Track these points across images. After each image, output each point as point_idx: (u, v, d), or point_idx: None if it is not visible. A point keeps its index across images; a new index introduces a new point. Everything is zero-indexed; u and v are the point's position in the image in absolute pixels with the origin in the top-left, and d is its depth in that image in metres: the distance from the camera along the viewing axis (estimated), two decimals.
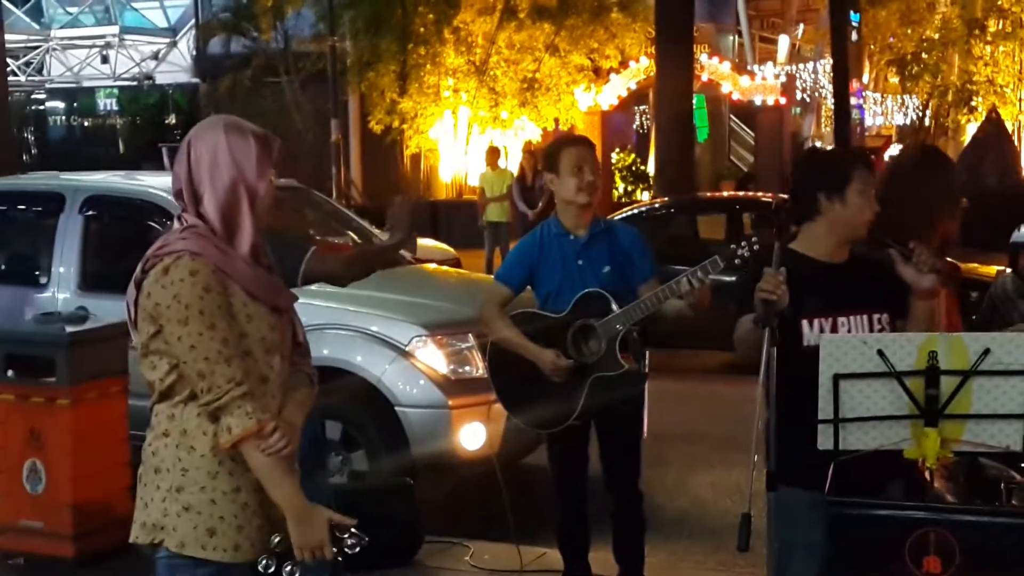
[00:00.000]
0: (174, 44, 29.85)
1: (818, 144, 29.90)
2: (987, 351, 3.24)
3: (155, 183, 7.31)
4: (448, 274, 8.73)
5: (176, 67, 29.72)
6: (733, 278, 4.20)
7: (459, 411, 6.24)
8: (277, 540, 2.87)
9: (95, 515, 5.58)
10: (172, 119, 29.51)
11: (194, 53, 27.78)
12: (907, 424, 3.33)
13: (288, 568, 2.86)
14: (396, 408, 6.22)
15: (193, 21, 27.89)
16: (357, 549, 2.85)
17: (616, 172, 24.93)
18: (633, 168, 24.98)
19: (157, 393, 2.90)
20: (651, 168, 19.25)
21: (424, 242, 12.85)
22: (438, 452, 6.24)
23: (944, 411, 3.29)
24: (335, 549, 2.83)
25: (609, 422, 4.96)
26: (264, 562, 2.88)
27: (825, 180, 3.81)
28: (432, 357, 6.34)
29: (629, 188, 24.44)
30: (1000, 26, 19.96)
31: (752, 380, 3.50)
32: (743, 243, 4.60)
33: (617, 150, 25.54)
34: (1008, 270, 6.72)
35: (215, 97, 23.80)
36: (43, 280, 7.22)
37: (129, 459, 5.66)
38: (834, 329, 3.71)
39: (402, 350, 6.31)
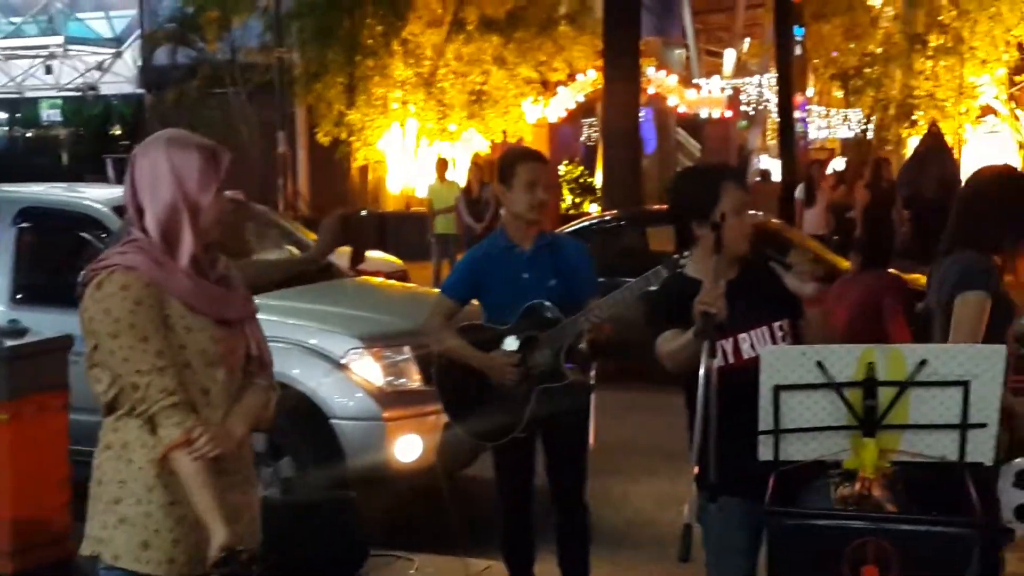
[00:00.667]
0: (119, 55, 29.53)
1: (763, 160, 30.24)
2: (924, 362, 3.29)
3: (92, 195, 7.26)
4: (389, 286, 8.74)
5: (121, 78, 29.40)
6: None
7: (394, 423, 6.28)
8: (223, 556, 2.86)
9: (34, 531, 5.52)
10: (117, 130, 29.26)
11: (139, 64, 27.48)
12: (846, 434, 3.37)
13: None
14: (331, 420, 6.24)
15: (138, 32, 27.61)
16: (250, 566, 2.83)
17: (564, 184, 25.04)
18: (581, 180, 25.10)
19: (104, 406, 2.92)
20: (599, 180, 19.30)
21: (372, 254, 12.85)
22: (373, 464, 6.26)
23: (882, 421, 3.33)
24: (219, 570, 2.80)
25: (555, 433, 4.98)
26: None
27: (694, 207, 3.86)
28: (367, 369, 6.37)
29: (577, 200, 24.54)
30: (941, 41, 20.23)
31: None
32: (685, 253, 4.63)
33: (565, 162, 25.66)
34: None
35: (160, 108, 23.61)
36: None
37: (69, 474, 5.61)
38: (736, 347, 3.76)
39: (337, 363, 6.32)
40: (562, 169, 25.26)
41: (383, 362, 6.40)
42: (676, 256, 4.72)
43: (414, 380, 6.43)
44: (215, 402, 2.91)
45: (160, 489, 2.85)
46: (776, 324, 3.82)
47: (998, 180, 4.66)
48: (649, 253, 11.78)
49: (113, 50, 29.78)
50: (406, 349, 6.43)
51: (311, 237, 9.14)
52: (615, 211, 14.53)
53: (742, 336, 3.76)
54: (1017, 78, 20.98)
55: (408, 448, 6.31)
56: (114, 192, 7.28)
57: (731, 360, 3.73)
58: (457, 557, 5.58)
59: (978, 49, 20.00)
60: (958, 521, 3.38)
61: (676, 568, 3.92)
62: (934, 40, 20.16)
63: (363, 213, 19.92)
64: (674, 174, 4.58)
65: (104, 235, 6.63)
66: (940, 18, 20.14)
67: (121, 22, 30.03)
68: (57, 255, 6.99)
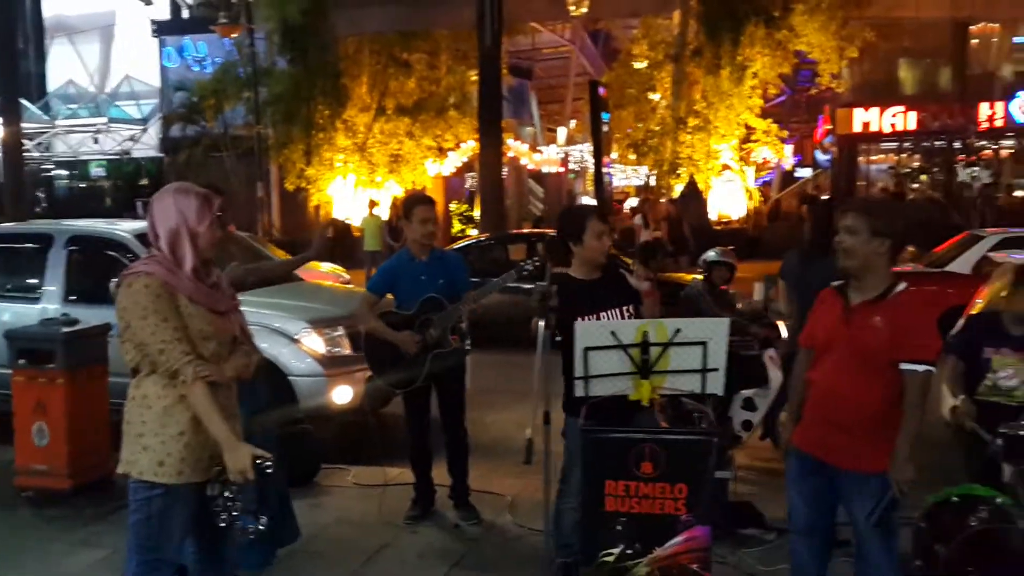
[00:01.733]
0: (145, 130, 28.46)
1: (584, 199, 30.59)
2: (678, 330, 3.37)
3: (121, 227, 6.92)
4: (330, 287, 8.58)
5: (147, 146, 28.36)
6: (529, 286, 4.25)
7: (332, 378, 6.19)
8: (217, 469, 2.82)
9: (83, 459, 5.32)
10: (144, 182, 28.14)
11: (160, 136, 26.54)
12: (630, 378, 3.43)
13: (225, 492, 2.81)
14: (288, 377, 6.13)
15: (159, 114, 26.66)
16: (270, 471, 2.80)
17: (454, 216, 24.97)
18: (465, 214, 25.07)
19: (131, 370, 2.89)
20: (477, 214, 19.28)
21: (325, 265, 12.62)
22: (318, 406, 6.16)
23: (653, 368, 3.40)
24: (257, 472, 2.77)
25: (444, 382, 4.96)
26: (210, 488, 2.84)
27: (569, 232, 3.90)
28: (314, 342, 6.26)
29: (463, 227, 24.49)
30: (696, 122, 20.61)
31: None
32: (526, 262, 4.69)
33: (455, 202, 25.60)
34: (700, 277, 6.94)
35: (175, 167, 22.83)
36: (36, 295, 6.76)
37: (108, 420, 5.41)
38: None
39: (293, 338, 6.22)
40: (453, 206, 25.20)
41: (324, 337, 6.30)
42: (522, 263, 4.76)
43: (346, 349, 6.35)
44: (209, 361, 2.89)
45: (172, 425, 2.82)
46: (624, 308, 3.85)
47: (813, 211, 4.78)
48: (509, 262, 11.83)
49: (141, 127, 28.76)
50: (340, 328, 6.36)
51: (279, 254, 8.92)
52: (487, 234, 14.53)
53: (603, 314, 3.78)
54: (744, 146, 21.58)
55: (342, 395, 6.23)
56: (137, 225, 7.01)
57: None
58: (379, 467, 5.51)
59: (719, 127, 20.48)
60: (700, 431, 3.47)
61: (523, 469, 3.96)
62: (692, 121, 20.55)
63: (346, 220, 19.51)
64: (559, 212, 4.54)
65: (128, 254, 6.40)
66: (695, 107, 20.58)
67: (147, 107, 28.96)
68: (96, 268, 6.65)
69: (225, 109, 21.95)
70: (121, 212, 22.45)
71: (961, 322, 6.20)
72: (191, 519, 2.89)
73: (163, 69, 25.95)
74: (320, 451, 5.69)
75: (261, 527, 2.87)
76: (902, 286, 3.10)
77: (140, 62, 28.54)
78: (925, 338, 3.07)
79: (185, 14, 27.36)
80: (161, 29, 26.07)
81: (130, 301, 2.78)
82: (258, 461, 2.77)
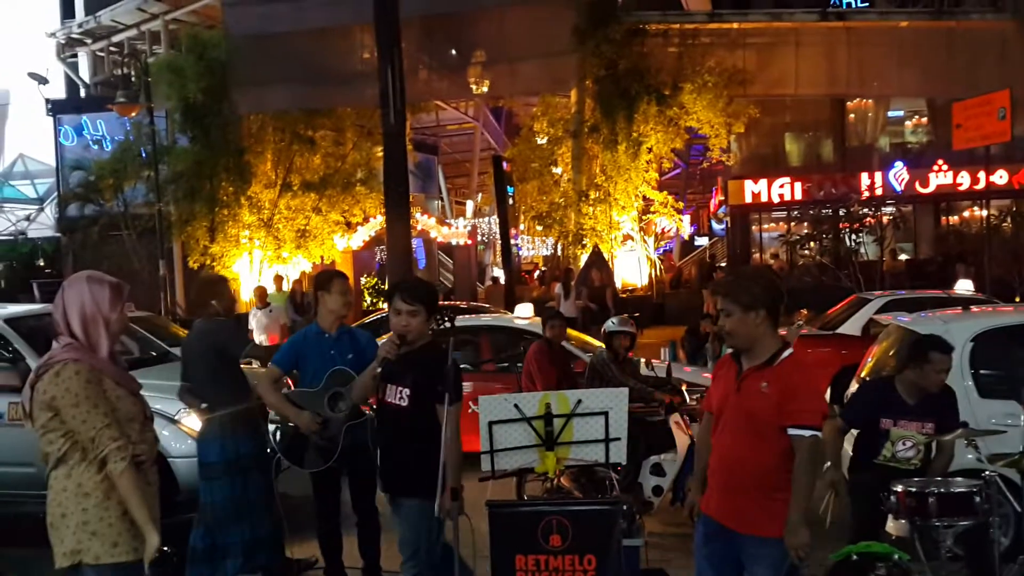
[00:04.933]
0: (41, 209, 27.53)
1: (495, 271, 30.85)
2: (580, 401, 3.40)
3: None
4: None
5: (43, 226, 27.38)
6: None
7: None
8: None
9: None
10: (41, 263, 27.08)
11: (57, 215, 25.61)
12: (535, 450, 3.44)
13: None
14: (168, 459, 5.98)
15: (56, 193, 25.80)
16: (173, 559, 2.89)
17: (365, 290, 24.78)
18: (376, 287, 24.89)
19: (55, 460, 2.92)
20: (387, 286, 19.17)
21: None
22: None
23: (557, 440, 3.42)
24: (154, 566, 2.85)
25: (354, 463, 4.85)
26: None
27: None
28: (193, 422, 6.04)
29: (374, 300, 24.30)
30: (597, 195, 21.23)
31: None
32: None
33: (365, 276, 25.41)
34: (604, 346, 6.99)
35: (72, 248, 22.04)
36: None
37: None
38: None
39: (172, 419, 6.12)
40: (363, 280, 25.01)
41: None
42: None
43: None
44: (134, 441, 2.97)
45: (113, 507, 2.89)
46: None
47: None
48: None
49: (37, 207, 27.78)
50: None
51: (182, 334, 8.64)
52: None
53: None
54: (644, 217, 22.24)
55: None
56: (15, 309, 6.74)
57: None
58: (287, 552, 5.27)
59: (619, 199, 21.09)
60: (605, 500, 3.48)
61: None
62: (593, 194, 21.10)
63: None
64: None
65: (1, 341, 6.18)
66: (596, 180, 21.15)
67: (43, 187, 28.11)
68: None
69: (125, 188, 21.41)
70: (16, 295, 21.38)
71: (855, 385, 6.40)
72: None
73: (60, 147, 25.19)
74: None
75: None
76: (788, 351, 3.16)
77: (35, 141, 27.81)
78: (810, 403, 3.09)
79: (83, 93, 26.82)
80: (56, 108, 25.41)
81: (61, 389, 2.84)
82: (165, 549, 2.86)
